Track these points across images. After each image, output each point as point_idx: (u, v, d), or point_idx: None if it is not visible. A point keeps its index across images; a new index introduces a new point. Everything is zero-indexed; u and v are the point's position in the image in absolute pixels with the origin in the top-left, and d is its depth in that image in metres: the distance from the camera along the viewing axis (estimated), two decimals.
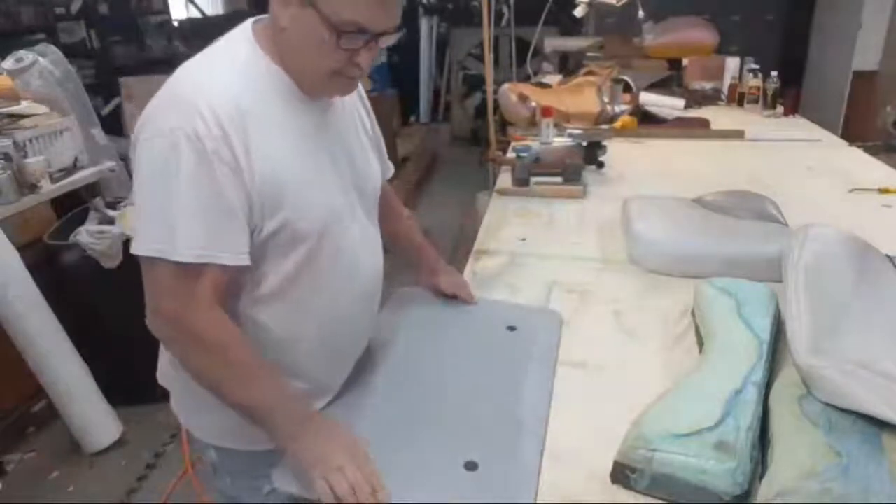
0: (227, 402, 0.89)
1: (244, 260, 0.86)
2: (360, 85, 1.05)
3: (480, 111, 5.88)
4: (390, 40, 0.88)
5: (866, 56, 4.34)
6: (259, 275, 0.93)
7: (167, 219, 0.81)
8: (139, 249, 0.83)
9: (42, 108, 2.74)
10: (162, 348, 1.07)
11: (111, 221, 2.53)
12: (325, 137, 0.97)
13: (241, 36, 0.92)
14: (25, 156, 2.48)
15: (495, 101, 2.91)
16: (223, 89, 0.84)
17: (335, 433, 0.91)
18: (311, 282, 0.96)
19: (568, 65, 4.18)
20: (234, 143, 0.83)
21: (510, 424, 0.98)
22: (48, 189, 2.51)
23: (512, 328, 1.25)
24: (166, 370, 1.08)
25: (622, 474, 0.87)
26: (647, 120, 2.97)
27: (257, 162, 0.85)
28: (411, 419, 1.00)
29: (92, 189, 2.86)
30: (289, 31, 0.86)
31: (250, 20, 0.94)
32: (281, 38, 0.88)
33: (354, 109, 1.08)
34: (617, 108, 2.97)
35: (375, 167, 1.13)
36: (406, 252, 1.35)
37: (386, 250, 1.15)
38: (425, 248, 1.37)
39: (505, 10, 4.04)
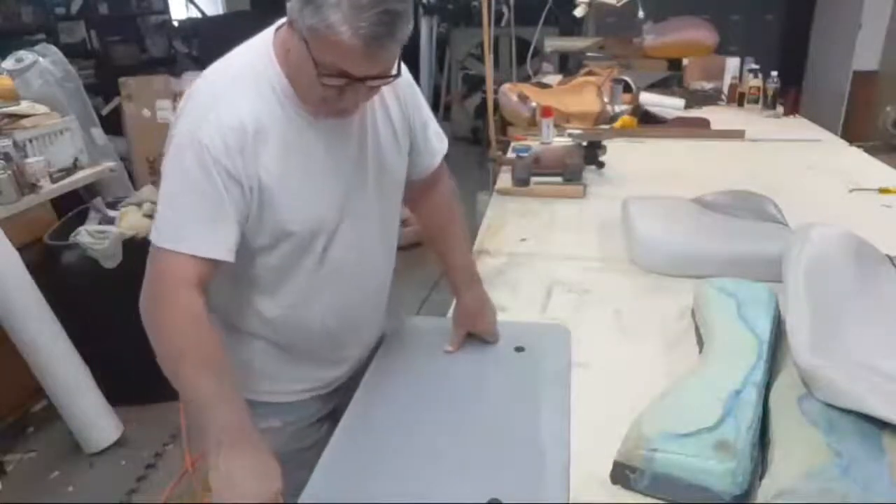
0: (179, 388, 0.93)
1: (230, 256, 0.95)
2: (405, 73, 1.05)
3: (480, 111, 5.87)
4: (382, 83, 0.92)
5: (866, 56, 4.34)
6: (252, 268, 1.03)
7: (170, 212, 0.93)
8: (153, 238, 0.93)
9: (42, 108, 2.74)
10: None
11: (111, 221, 2.53)
12: (332, 150, 1.01)
13: (262, 46, 0.97)
14: (25, 156, 2.48)
15: (495, 101, 2.91)
16: (234, 106, 0.92)
17: (252, 461, 0.90)
18: (302, 277, 1.05)
19: (568, 65, 4.19)
20: (235, 157, 0.92)
21: (531, 457, 0.94)
22: (48, 189, 2.51)
23: (520, 349, 1.21)
24: None
25: (622, 474, 0.87)
26: (647, 120, 2.97)
27: (253, 176, 0.94)
28: (429, 457, 0.96)
29: (92, 189, 2.86)
30: (291, 54, 0.92)
31: (274, 27, 0.98)
32: (287, 58, 0.94)
33: (380, 108, 1.07)
34: (617, 108, 2.97)
35: (396, 165, 1.11)
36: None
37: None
38: (455, 271, 1.26)
39: (505, 10, 4.04)
